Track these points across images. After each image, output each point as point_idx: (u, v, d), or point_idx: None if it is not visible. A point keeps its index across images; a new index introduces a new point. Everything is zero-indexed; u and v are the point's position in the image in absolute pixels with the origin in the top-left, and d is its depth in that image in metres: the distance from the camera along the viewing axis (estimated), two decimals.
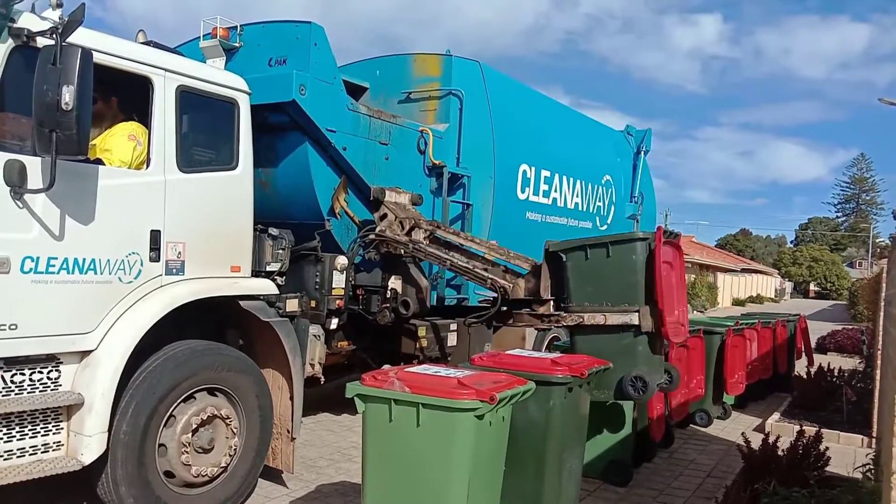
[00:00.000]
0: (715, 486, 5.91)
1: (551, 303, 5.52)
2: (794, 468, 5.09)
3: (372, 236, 6.34)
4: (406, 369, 4.00)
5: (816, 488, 4.73)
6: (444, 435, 3.52)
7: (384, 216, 6.42)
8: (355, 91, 7.65)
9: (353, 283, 6.35)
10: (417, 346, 6.91)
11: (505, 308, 6.03)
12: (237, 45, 6.23)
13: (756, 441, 5.57)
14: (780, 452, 5.30)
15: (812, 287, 72.08)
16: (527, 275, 5.84)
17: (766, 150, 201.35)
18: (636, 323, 4.97)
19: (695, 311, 31.18)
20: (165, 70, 4.49)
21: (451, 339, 7.35)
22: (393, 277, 6.34)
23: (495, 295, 7.46)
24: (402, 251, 6.30)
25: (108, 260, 4.16)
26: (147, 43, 4.84)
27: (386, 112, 6.81)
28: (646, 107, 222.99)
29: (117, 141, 4.48)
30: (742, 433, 6.02)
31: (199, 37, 6.25)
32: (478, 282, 6.19)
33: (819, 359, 11.58)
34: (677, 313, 5.24)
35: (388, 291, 6.30)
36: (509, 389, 3.75)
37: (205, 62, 5.99)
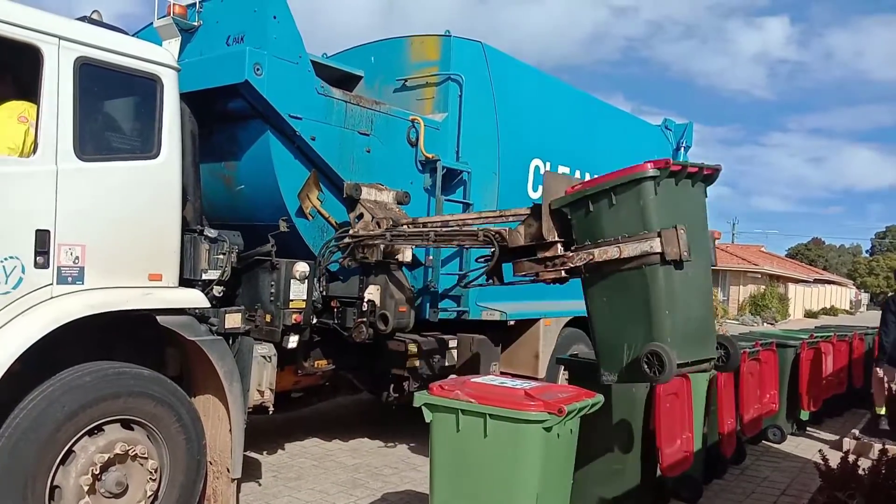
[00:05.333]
0: None
1: (559, 245, 4.31)
2: (878, 488, 4.66)
3: (347, 240, 5.49)
4: (473, 379, 4.05)
5: None
6: (512, 446, 3.55)
7: (361, 216, 5.55)
8: (349, 80, 6.87)
9: (325, 293, 5.51)
10: (407, 365, 6.01)
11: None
12: (196, 24, 5.50)
13: (834, 459, 5.12)
14: (860, 471, 4.89)
15: None
16: (527, 218, 4.64)
17: (839, 157, 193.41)
18: (658, 250, 3.75)
19: (765, 324, 29.89)
20: (59, 38, 3.74)
21: (451, 358, 6.42)
22: (371, 287, 5.45)
23: (501, 310, 6.57)
24: (382, 245, 5.41)
25: None
26: (98, 23, 4.12)
27: (367, 98, 5.96)
28: (710, 113, 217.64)
29: (3, 123, 3.75)
30: (819, 450, 5.53)
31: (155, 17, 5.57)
32: (468, 241, 5.02)
33: None
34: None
35: (365, 304, 5.41)
36: (578, 402, 3.73)
37: (160, 44, 5.29)
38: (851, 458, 5.06)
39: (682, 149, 9.40)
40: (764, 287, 36.53)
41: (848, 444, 7.32)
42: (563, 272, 4.28)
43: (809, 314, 41.92)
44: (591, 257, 4.05)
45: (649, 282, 3.77)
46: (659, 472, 5.04)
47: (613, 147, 8.43)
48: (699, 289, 4.03)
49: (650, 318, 3.77)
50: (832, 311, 47.26)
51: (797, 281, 43.10)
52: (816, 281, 49.18)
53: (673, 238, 3.75)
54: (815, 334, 8.81)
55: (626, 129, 8.93)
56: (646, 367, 3.69)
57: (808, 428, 8.36)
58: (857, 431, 7.90)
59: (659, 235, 3.78)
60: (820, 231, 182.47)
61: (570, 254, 4.22)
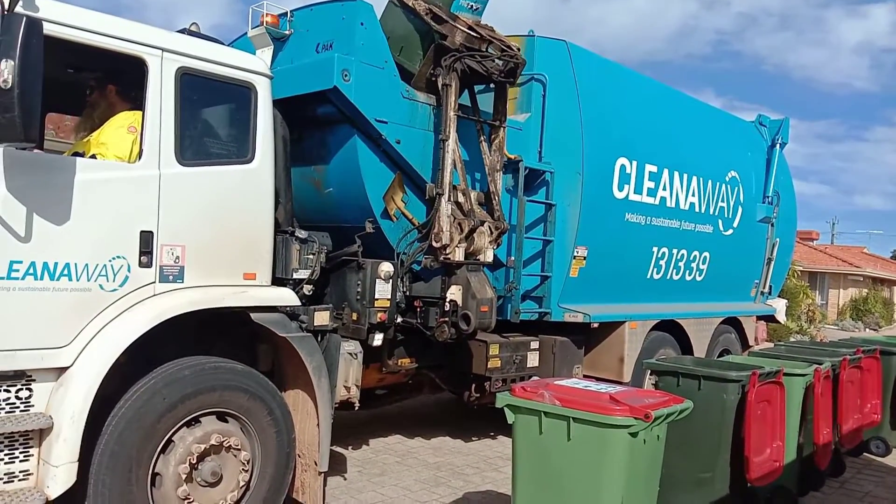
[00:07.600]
0: None
1: None
2: None
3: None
4: (556, 381, 4.03)
5: None
6: (596, 451, 3.51)
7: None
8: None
9: (408, 293, 5.60)
10: (488, 366, 6.03)
11: None
12: (287, 32, 5.70)
13: None
14: None
15: None
16: None
17: None
18: None
19: (867, 330, 28.37)
20: (162, 49, 3.96)
21: (532, 360, 6.40)
22: (452, 287, 5.50)
23: (584, 312, 6.51)
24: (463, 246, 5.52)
25: (87, 265, 3.65)
26: (197, 34, 4.36)
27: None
28: (807, 107, 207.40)
29: (114, 133, 4.00)
30: None
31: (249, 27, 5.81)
32: None
33: None
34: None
35: (447, 304, 5.47)
36: (665, 407, 3.67)
37: (254, 53, 5.52)
38: None
39: (778, 145, 9.04)
40: (866, 290, 34.59)
41: None
42: None
43: None
44: None
45: None
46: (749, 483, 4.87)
47: (703, 143, 8.22)
48: None
49: None
50: None
51: None
52: None
53: None
54: None
55: (717, 125, 8.68)
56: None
57: None
58: None
59: None
60: None
61: None
